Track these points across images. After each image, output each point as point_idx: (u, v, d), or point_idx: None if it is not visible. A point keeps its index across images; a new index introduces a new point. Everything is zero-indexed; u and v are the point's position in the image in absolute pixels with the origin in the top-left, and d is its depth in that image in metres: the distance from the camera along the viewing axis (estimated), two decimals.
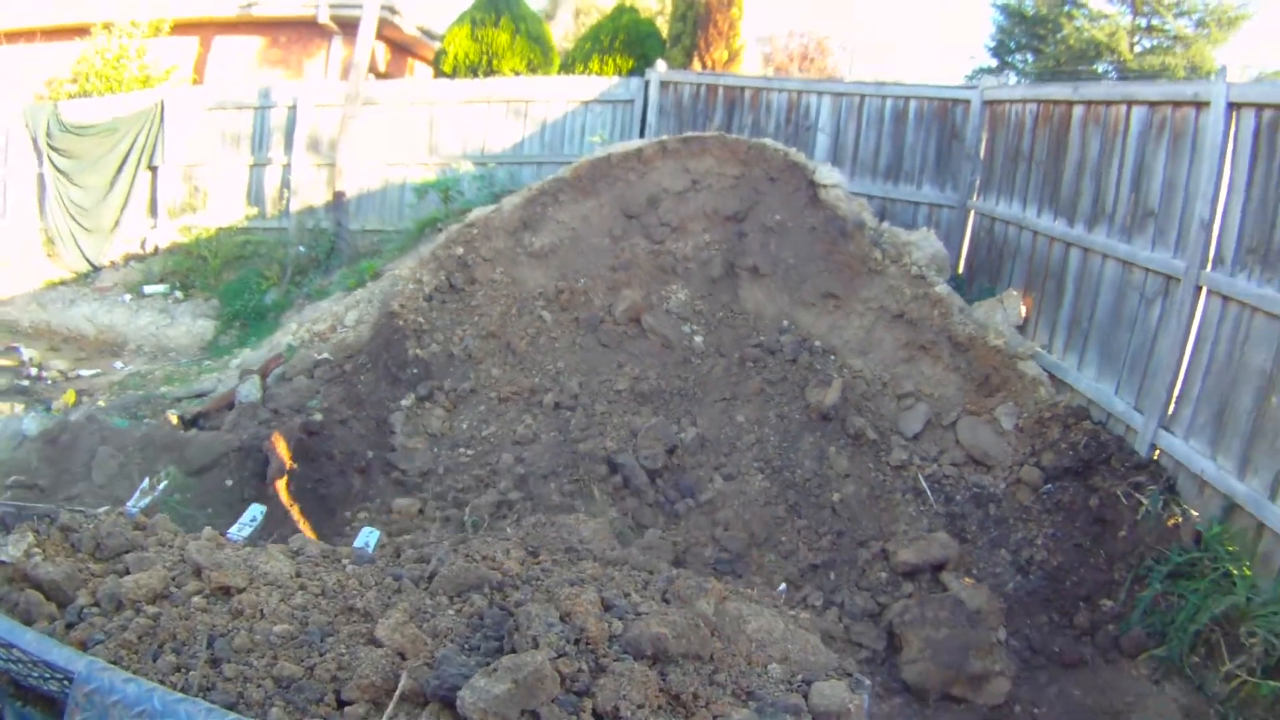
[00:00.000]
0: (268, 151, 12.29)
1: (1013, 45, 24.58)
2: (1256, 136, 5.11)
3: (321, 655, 2.20)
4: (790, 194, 7.72)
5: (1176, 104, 5.90)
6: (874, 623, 5.13)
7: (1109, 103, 6.72)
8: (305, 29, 14.18)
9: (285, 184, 12.23)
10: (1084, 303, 6.76)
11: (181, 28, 13.98)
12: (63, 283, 12.28)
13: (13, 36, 13.92)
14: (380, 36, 14.02)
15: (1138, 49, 22.09)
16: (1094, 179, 6.79)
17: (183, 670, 2.07)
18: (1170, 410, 5.66)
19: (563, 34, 19.38)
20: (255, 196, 12.37)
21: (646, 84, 11.19)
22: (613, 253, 7.51)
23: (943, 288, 7.22)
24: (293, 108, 12.06)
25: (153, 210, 12.52)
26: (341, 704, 2.06)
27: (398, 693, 2.05)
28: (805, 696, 2.59)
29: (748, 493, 5.62)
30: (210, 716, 1.52)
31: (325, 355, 6.20)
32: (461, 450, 5.67)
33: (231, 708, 1.94)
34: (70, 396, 8.40)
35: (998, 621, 4.97)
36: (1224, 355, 5.23)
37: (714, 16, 12.51)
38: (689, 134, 8.50)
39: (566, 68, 13.32)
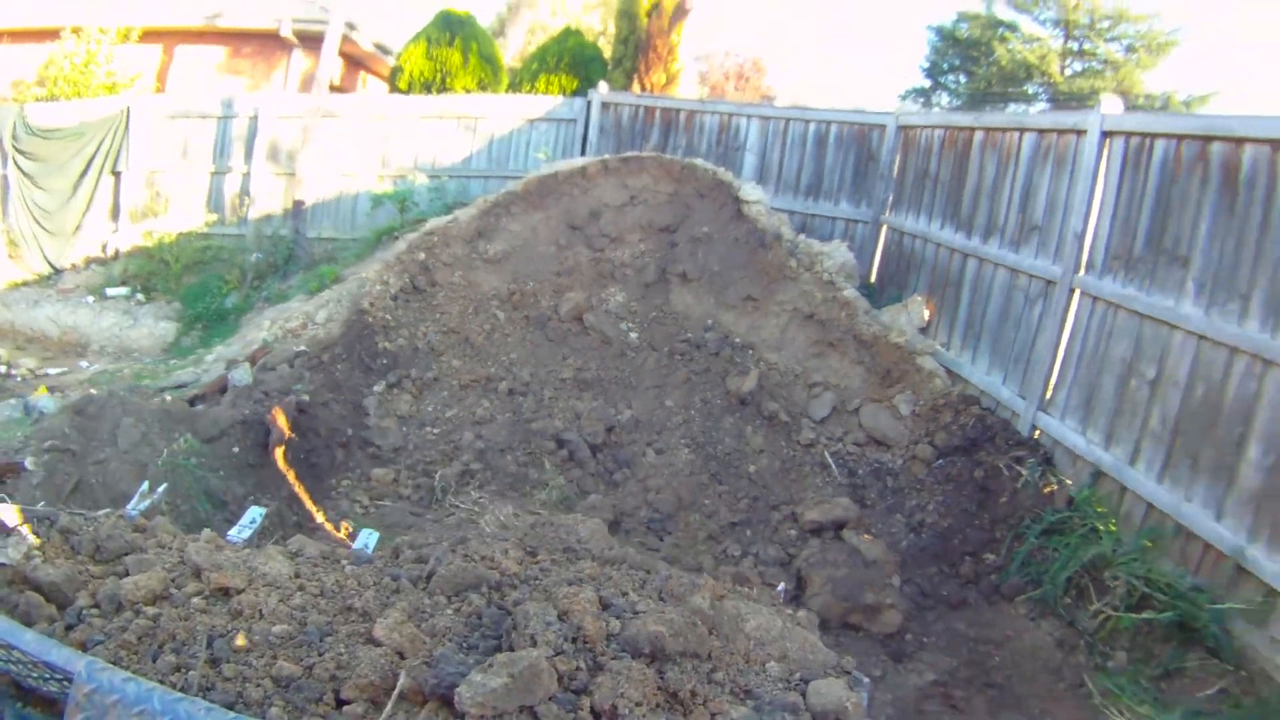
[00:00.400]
0: (229, 160, 12.80)
1: (946, 67, 24.95)
2: (1125, 160, 5.78)
3: (320, 655, 2.24)
4: (717, 209, 8.71)
5: (1061, 131, 6.53)
6: (784, 569, 5.82)
7: (1004, 129, 7.39)
8: (268, 41, 14.65)
9: (245, 191, 12.75)
10: (978, 306, 7.45)
11: (148, 36, 14.30)
12: (25, 284, 12.56)
13: None
14: (338, 51, 14.65)
15: (1068, 72, 22.55)
16: (989, 197, 7.46)
17: (182, 670, 2.10)
18: (1048, 395, 6.32)
19: (516, 52, 20.11)
20: (215, 203, 12.87)
21: (589, 104, 11.93)
22: (559, 259, 8.42)
23: (850, 292, 8.19)
24: (254, 118, 12.61)
25: (115, 215, 12.90)
26: (340, 703, 2.09)
27: (396, 691, 2.08)
28: (803, 695, 2.63)
29: (676, 464, 6.56)
30: (210, 715, 1.52)
31: (302, 348, 6.97)
32: (428, 429, 6.52)
33: (231, 707, 1.99)
34: (43, 391, 8.96)
35: (892, 570, 5.65)
36: (1093, 347, 5.89)
37: (654, 42, 13.49)
38: (628, 153, 9.43)
39: (514, 86, 14.13)
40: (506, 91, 13.96)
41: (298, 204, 12.11)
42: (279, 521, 5.11)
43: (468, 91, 13.33)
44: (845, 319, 7.99)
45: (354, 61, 16.66)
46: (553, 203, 8.67)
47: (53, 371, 10.51)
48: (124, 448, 4.95)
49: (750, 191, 8.76)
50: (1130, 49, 22.04)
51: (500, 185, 10.21)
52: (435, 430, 6.51)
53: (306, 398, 5.96)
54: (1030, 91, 23.09)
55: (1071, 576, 5.16)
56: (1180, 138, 5.29)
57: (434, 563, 2.85)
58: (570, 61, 13.72)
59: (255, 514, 3.96)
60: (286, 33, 14.32)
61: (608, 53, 14.68)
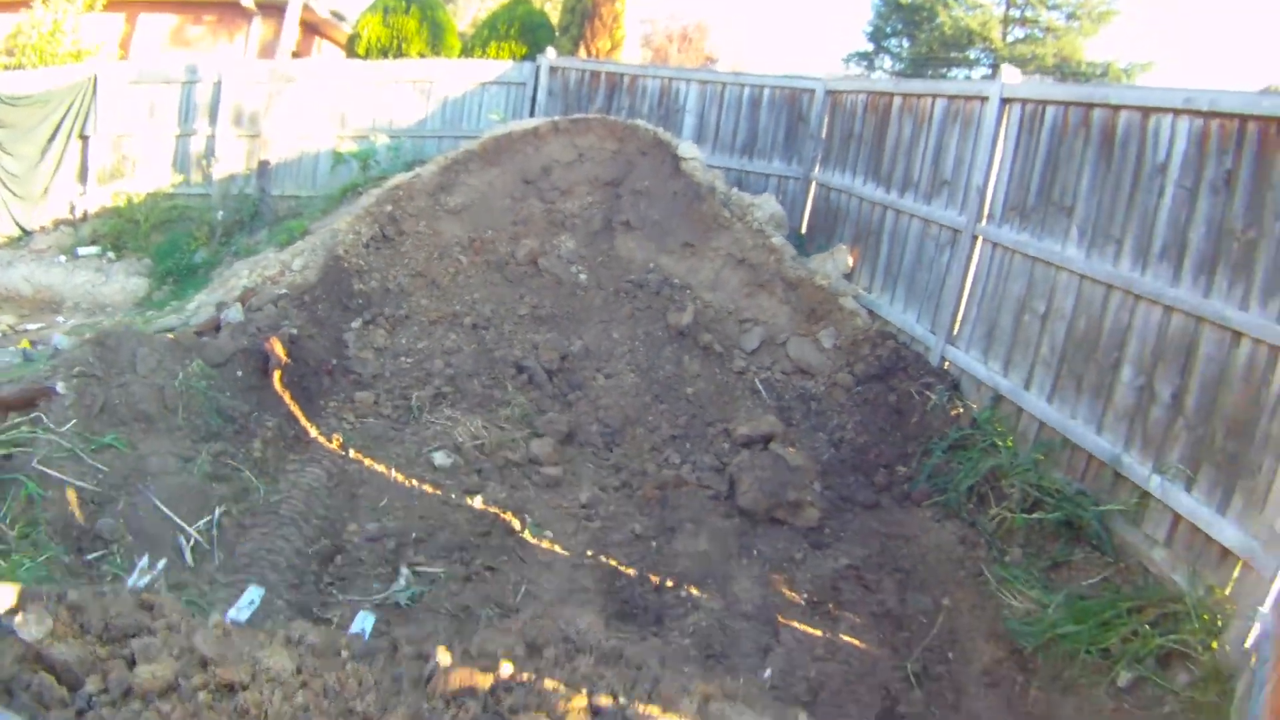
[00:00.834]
0: (193, 123, 13.32)
1: (889, 31, 25.39)
2: (1020, 124, 6.46)
3: None
4: (658, 165, 9.60)
5: (967, 98, 7.22)
6: (718, 474, 6.40)
7: (920, 95, 8.09)
8: (228, 9, 15.08)
9: (210, 153, 13.27)
10: (895, 253, 8.17)
11: (112, 4, 14.62)
12: None
13: None
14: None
15: (1010, 38, 22.99)
16: (906, 156, 8.14)
17: None
18: (955, 330, 7.04)
19: (469, 20, 20.60)
20: (182, 164, 13.39)
21: (538, 69, 12.63)
22: (514, 210, 9.26)
23: (778, 239, 9.10)
24: (217, 83, 13.12)
25: (83, 177, 13.33)
26: None
27: None
28: None
29: (623, 386, 7.49)
30: None
31: (284, 291, 7.74)
32: (402, 359, 7.37)
33: None
34: (26, 344, 9.56)
35: (813, 476, 6.15)
36: (993, 287, 6.56)
37: (599, 10, 14.23)
38: (576, 115, 10.27)
39: (467, 52, 14.79)
40: (460, 57, 14.58)
41: (263, 164, 12.69)
42: (279, 434, 5.95)
43: (423, 57, 13.97)
44: (774, 263, 8.89)
45: (310, 28, 17.08)
46: (507, 160, 9.49)
47: (31, 327, 10.92)
48: (143, 373, 5.65)
49: (687, 149, 9.66)
50: (1071, 16, 22.56)
51: (454, 145, 10.97)
52: (409, 360, 7.36)
53: (295, 331, 6.77)
54: (972, 57, 23.64)
55: (973, 485, 5.75)
56: (1068, 104, 5.95)
57: (433, 666, 2.85)
58: (520, 29, 14.40)
59: (254, 595, 3.97)
60: (247, 2, 14.74)
61: (555, 20, 15.38)
